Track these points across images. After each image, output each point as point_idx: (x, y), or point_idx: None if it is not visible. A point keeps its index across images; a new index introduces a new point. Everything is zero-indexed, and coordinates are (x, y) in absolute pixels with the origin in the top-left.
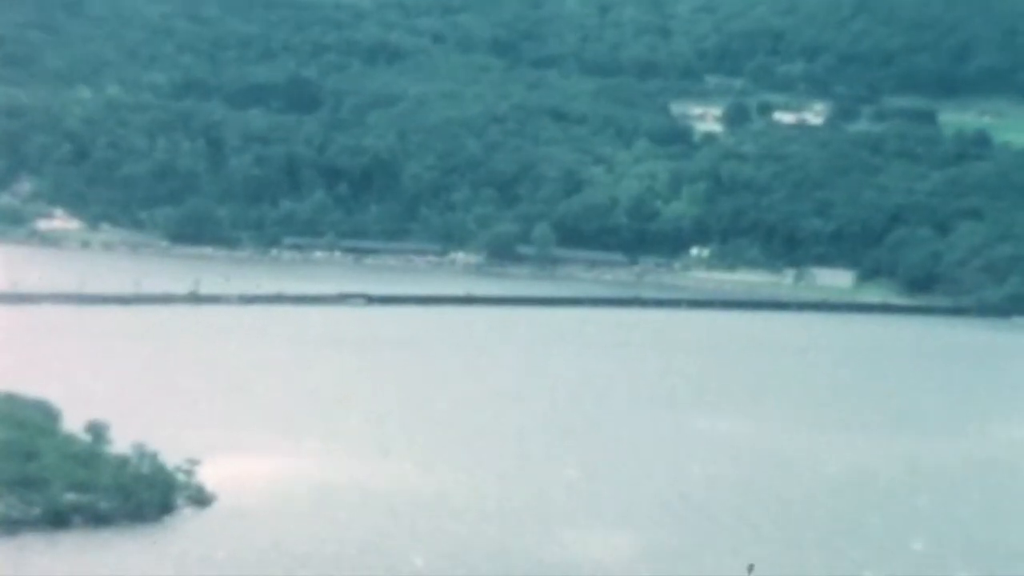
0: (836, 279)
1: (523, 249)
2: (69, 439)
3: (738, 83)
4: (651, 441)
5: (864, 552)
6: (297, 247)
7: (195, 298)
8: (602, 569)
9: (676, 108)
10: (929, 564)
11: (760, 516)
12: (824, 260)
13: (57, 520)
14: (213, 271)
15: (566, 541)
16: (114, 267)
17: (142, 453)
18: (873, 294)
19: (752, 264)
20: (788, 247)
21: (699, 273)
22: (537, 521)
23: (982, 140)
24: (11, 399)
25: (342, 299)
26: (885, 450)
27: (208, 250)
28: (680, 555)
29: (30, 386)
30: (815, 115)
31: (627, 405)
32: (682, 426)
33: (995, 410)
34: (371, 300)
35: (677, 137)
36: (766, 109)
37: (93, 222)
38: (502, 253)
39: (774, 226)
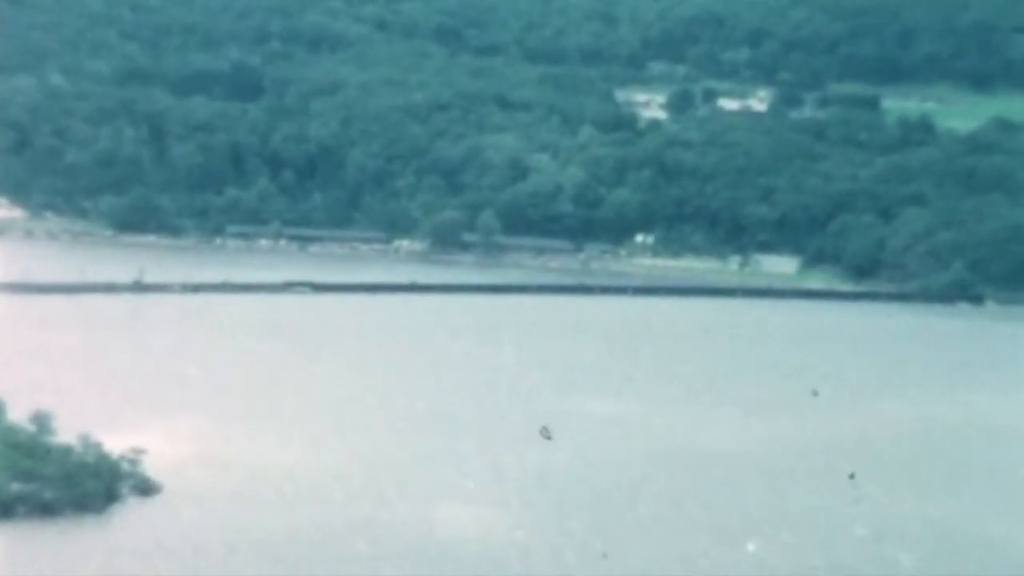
0: (781, 265)
1: (468, 237)
2: (13, 429)
3: (682, 70)
4: (571, 429)
5: (806, 538)
6: (242, 235)
7: (140, 287)
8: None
9: (621, 95)
10: (872, 549)
11: (691, 503)
12: (769, 247)
13: (2, 510)
14: (157, 260)
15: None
16: (58, 256)
17: (87, 443)
18: (817, 280)
19: (697, 251)
20: (733, 234)
21: (644, 260)
22: (451, 504)
23: (925, 126)
24: None
25: (287, 287)
26: (825, 433)
27: (152, 239)
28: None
29: None
30: (759, 102)
31: (554, 392)
32: (595, 412)
33: (936, 393)
34: (316, 288)
35: (622, 124)
36: (710, 96)
37: (37, 211)
38: (447, 241)
39: (719, 213)
